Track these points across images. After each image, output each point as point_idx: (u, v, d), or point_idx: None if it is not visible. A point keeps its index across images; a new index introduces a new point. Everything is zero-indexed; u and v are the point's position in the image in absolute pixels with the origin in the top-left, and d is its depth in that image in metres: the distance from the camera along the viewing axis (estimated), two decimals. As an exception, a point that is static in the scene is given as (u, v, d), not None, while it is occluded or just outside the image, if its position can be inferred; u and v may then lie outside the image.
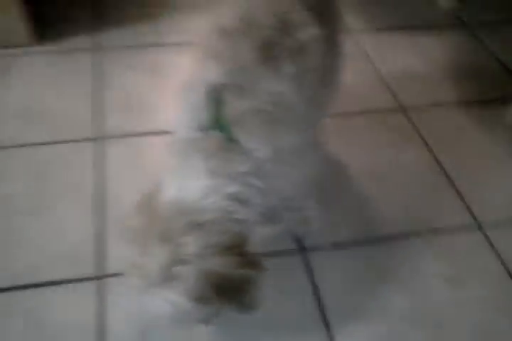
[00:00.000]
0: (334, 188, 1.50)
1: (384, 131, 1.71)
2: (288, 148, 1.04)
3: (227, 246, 0.92)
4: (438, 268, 1.33)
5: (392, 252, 1.36)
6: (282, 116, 1.03)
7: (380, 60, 2.00)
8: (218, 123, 0.98)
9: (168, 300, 0.88)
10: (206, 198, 0.93)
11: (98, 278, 1.27)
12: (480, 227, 1.44)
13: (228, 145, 0.97)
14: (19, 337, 1.15)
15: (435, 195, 1.52)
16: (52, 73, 1.87)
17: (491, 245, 1.39)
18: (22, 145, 1.59)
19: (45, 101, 1.74)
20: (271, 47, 1.05)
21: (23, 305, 1.21)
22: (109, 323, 1.18)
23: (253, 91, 1.01)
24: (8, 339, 1.15)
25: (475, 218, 1.46)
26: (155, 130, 1.63)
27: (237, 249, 0.93)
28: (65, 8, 2.17)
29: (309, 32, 1.11)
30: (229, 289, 0.92)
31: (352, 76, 1.75)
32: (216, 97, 1.00)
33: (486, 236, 1.41)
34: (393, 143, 1.66)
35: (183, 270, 0.88)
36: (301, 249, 1.36)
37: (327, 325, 1.21)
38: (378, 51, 2.05)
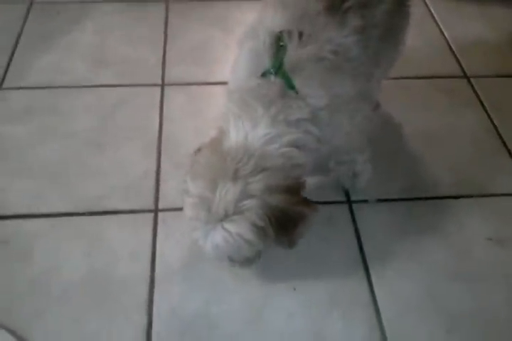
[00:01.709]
0: (387, 146, 1.52)
1: (443, 95, 1.70)
2: (344, 97, 1.07)
3: (287, 187, 0.98)
4: (484, 229, 1.34)
5: (439, 210, 1.38)
6: (341, 65, 1.05)
7: (447, 26, 1.97)
8: (278, 70, 1.02)
9: (231, 232, 0.95)
10: (269, 145, 0.99)
11: (154, 211, 1.35)
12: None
13: (287, 92, 1.01)
14: (79, 258, 1.26)
15: (490, 159, 1.51)
16: (125, 21, 1.95)
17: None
18: (93, 86, 1.69)
19: (116, 47, 1.83)
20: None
21: (85, 229, 1.31)
22: (161, 253, 1.27)
23: (315, 40, 1.03)
24: (71, 260, 1.25)
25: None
26: (217, 80, 1.69)
27: (295, 190, 1.00)
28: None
29: None
30: (285, 223, 0.98)
31: (417, 40, 1.76)
32: (277, 44, 1.03)
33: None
34: (451, 108, 1.66)
35: (251, 203, 0.95)
36: (348, 199, 1.40)
37: (366, 269, 1.26)
38: (447, 18, 2.02)
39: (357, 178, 1.38)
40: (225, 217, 0.95)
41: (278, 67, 1.02)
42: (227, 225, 0.95)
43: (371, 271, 1.25)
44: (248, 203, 0.95)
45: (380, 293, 1.22)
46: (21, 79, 1.70)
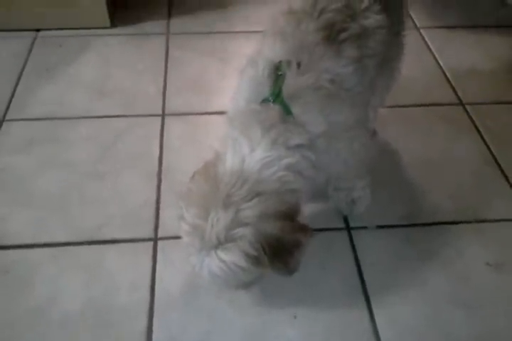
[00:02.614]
0: (385, 172, 1.53)
1: (440, 122, 1.72)
2: (342, 124, 1.09)
3: (282, 213, 0.98)
4: (483, 254, 1.34)
5: (437, 236, 1.38)
6: (338, 93, 1.07)
7: (442, 55, 2.01)
8: (277, 97, 1.04)
9: (224, 260, 0.95)
10: (265, 169, 0.99)
11: (154, 239, 1.36)
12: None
13: (286, 117, 1.03)
14: (79, 287, 1.26)
15: (487, 185, 1.52)
16: (126, 53, 2.00)
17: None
18: (94, 117, 1.72)
19: (117, 78, 1.87)
20: (335, 30, 1.10)
21: (85, 258, 1.32)
22: (160, 281, 1.27)
23: (312, 69, 1.06)
24: (71, 289, 1.25)
25: (526, 211, 1.46)
26: (216, 110, 1.72)
27: (290, 216, 1.00)
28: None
29: (374, 19, 1.16)
30: (280, 250, 0.98)
31: (413, 69, 1.79)
32: (276, 72, 1.06)
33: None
34: (448, 135, 1.68)
35: (243, 231, 0.94)
36: (347, 226, 1.40)
37: (366, 296, 1.25)
38: (442, 47, 2.06)
39: (355, 204, 1.39)
40: (219, 244, 0.94)
41: (277, 94, 1.04)
42: (221, 253, 0.94)
43: (371, 299, 1.25)
44: (240, 231, 0.94)
45: (380, 320, 1.21)
46: (24, 110, 1.73)
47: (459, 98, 1.82)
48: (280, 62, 1.07)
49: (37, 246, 1.34)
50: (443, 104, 1.81)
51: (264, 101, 1.05)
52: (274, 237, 0.96)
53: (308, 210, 1.23)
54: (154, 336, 1.17)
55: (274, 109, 1.03)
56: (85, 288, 1.25)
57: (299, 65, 1.06)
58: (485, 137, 1.67)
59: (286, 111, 1.03)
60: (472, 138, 1.67)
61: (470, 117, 1.75)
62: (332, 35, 1.10)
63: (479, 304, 1.24)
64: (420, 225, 1.42)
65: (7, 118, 1.70)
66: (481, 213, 1.45)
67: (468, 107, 1.79)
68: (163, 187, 1.49)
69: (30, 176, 1.51)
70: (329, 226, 1.40)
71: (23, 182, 1.49)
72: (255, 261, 0.96)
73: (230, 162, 1.00)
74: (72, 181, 1.50)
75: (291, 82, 1.05)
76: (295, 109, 1.03)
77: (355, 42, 1.12)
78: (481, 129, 1.70)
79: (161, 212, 1.42)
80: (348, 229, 1.40)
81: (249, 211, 0.95)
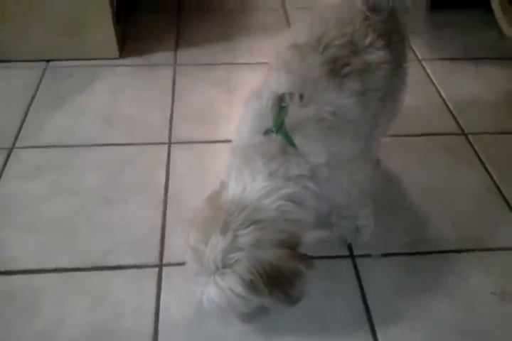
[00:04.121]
0: (388, 200, 1.54)
1: (443, 152, 1.74)
2: (344, 155, 1.11)
3: (280, 241, 0.99)
4: (488, 283, 1.34)
5: (442, 264, 1.38)
6: (340, 125, 1.10)
7: (444, 86, 2.05)
8: (280, 129, 1.07)
9: (222, 286, 0.96)
10: (264, 198, 1.01)
11: (159, 266, 1.37)
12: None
13: (287, 149, 1.05)
14: (85, 312, 1.26)
15: (490, 214, 1.53)
16: (135, 83, 2.06)
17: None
18: (102, 145, 1.75)
19: (125, 107, 1.92)
20: (338, 65, 1.14)
21: (91, 284, 1.32)
22: (165, 308, 1.27)
23: (315, 101, 1.09)
24: (76, 314, 1.25)
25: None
26: (222, 138, 1.75)
27: (289, 245, 1.00)
28: (150, 28, 2.38)
29: (377, 55, 1.19)
30: (278, 279, 0.98)
31: (415, 100, 1.83)
32: (279, 104, 1.09)
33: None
34: (451, 165, 1.70)
35: (238, 256, 0.95)
36: (351, 254, 1.41)
37: (372, 327, 1.24)
38: (444, 78, 2.10)
39: (359, 233, 1.39)
40: (216, 270, 0.96)
41: (279, 126, 1.07)
42: (218, 279, 0.96)
43: (376, 327, 1.24)
44: (236, 256, 0.95)
45: (385, 349, 1.20)
46: (33, 138, 1.77)
47: (461, 128, 1.85)
48: (284, 94, 1.10)
49: (43, 271, 1.34)
50: (445, 134, 1.83)
51: (267, 132, 1.08)
52: (270, 264, 0.96)
53: (312, 238, 1.23)
54: (159, 363, 1.17)
55: (276, 141, 1.06)
56: (91, 313, 1.25)
57: (301, 96, 1.09)
58: (487, 166, 1.69)
59: (289, 141, 1.06)
60: (474, 166, 1.69)
61: (472, 146, 1.77)
62: (336, 68, 1.13)
63: (486, 333, 1.23)
64: (424, 253, 1.42)
65: (17, 145, 1.73)
66: (484, 241, 1.45)
67: (470, 137, 1.81)
68: (168, 214, 1.51)
69: (38, 202, 1.53)
70: (333, 253, 1.41)
71: (31, 208, 1.51)
72: (252, 287, 0.96)
73: (232, 190, 1.03)
74: (80, 207, 1.52)
75: (294, 114, 1.07)
76: (297, 140, 1.06)
77: (358, 76, 1.15)
78: (483, 158, 1.72)
79: (166, 238, 1.43)
80: (352, 256, 1.40)
81: (246, 237, 0.96)
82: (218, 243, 0.96)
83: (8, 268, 1.35)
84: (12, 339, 1.20)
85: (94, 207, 1.53)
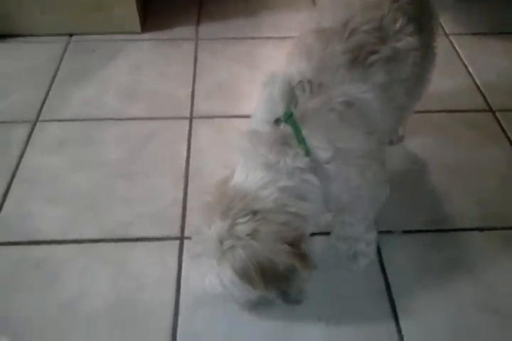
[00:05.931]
0: (411, 177, 1.53)
1: (469, 129, 1.71)
2: (353, 151, 1.04)
3: (279, 235, 0.96)
4: (510, 262, 1.32)
5: (464, 242, 1.37)
6: (352, 118, 1.03)
7: (472, 61, 2.00)
8: (289, 118, 1.01)
9: (217, 272, 0.97)
10: (261, 189, 0.98)
11: (180, 238, 1.38)
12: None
13: (291, 141, 1.00)
14: (107, 283, 1.28)
15: (515, 192, 1.51)
16: (156, 58, 2.05)
17: None
18: (124, 119, 1.75)
19: (147, 82, 1.92)
20: (363, 53, 1.06)
21: (113, 256, 1.34)
22: (185, 279, 1.28)
23: (330, 91, 1.02)
24: (98, 285, 1.28)
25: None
26: (243, 113, 1.72)
27: (290, 241, 0.97)
28: (173, 2, 2.36)
29: (408, 42, 1.10)
30: (272, 274, 0.96)
31: (442, 75, 1.78)
32: (293, 93, 1.03)
33: None
34: (476, 141, 1.67)
35: (232, 243, 0.95)
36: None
37: (392, 301, 1.24)
38: (471, 54, 2.05)
39: (357, 260, 1.30)
40: (215, 253, 0.96)
41: (289, 115, 1.01)
42: (215, 264, 0.96)
43: (396, 303, 1.24)
44: (230, 243, 0.95)
45: (406, 326, 1.20)
46: (57, 112, 1.78)
47: (488, 104, 1.81)
48: (300, 81, 1.04)
49: (67, 242, 1.37)
50: (472, 111, 1.79)
51: (277, 121, 1.03)
52: (264, 257, 0.95)
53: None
54: (179, 332, 1.18)
55: (282, 131, 1.01)
56: (112, 284, 1.27)
57: (317, 85, 1.03)
58: (514, 144, 1.66)
59: (296, 132, 1.00)
60: (501, 144, 1.66)
61: (499, 124, 1.73)
62: (359, 57, 1.05)
63: (510, 313, 1.22)
64: (446, 231, 1.40)
65: (40, 118, 1.75)
66: (507, 220, 1.43)
67: (498, 114, 1.77)
68: (189, 188, 1.51)
69: (62, 175, 1.55)
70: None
71: (55, 181, 1.53)
72: (244, 276, 0.95)
73: (237, 177, 1.02)
74: (102, 180, 1.53)
75: (305, 104, 1.02)
76: (305, 131, 1.00)
77: (385, 66, 1.07)
78: (510, 136, 1.68)
79: (187, 212, 1.44)
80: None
81: (243, 226, 0.95)
82: (217, 228, 0.96)
83: (33, 238, 1.38)
84: (36, 309, 1.23)
85: (116, 180, 1.54)
